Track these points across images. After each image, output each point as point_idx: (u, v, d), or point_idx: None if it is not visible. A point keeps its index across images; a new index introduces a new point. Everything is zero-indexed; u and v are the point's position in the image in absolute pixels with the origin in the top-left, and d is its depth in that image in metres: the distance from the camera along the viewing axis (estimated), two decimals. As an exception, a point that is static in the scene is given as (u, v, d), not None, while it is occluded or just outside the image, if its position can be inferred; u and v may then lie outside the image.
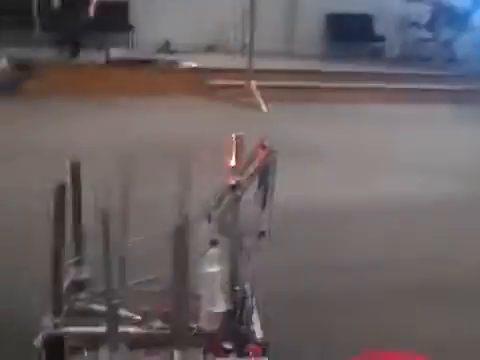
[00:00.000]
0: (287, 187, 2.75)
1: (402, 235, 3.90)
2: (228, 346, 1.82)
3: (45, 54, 8.76)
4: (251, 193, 1.92)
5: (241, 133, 1.96)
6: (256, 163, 1.92)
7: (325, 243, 3.59)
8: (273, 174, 1.91)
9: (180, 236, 1.67)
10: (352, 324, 2.68)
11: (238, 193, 1.82)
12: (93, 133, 6.14)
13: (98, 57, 8.92)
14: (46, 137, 5.88)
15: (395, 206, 4.41)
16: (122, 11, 10.50)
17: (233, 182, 1.83)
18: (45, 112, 7.08)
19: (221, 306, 1.84)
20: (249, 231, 1.87)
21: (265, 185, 1.90)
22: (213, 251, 1.81)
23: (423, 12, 11.34)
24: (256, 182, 1.94)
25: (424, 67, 10.75)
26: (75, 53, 8.86)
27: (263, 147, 1.94)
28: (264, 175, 1.91)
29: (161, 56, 9.43)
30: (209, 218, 1.87)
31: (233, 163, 1.89)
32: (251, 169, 1.91)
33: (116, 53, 8.77)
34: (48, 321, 1.87)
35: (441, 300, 3.04)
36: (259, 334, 1.86)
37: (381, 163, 5.65)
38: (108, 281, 1.75)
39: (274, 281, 2.58)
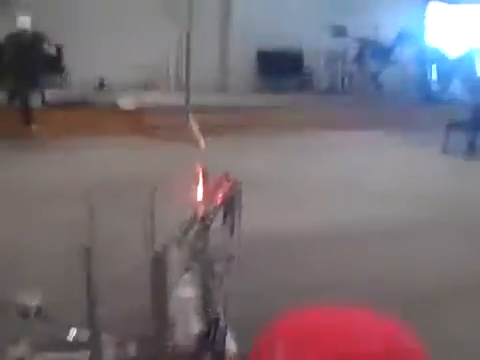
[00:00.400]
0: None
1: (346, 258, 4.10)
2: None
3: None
4: (217, 222, 2.06)
5: (202, 165, 2.10)
6: (220, 194, 2.07)
7: (286, 267, 3.75)
8: (239, 203, 2.06)
9: (158, 265, 1.79)
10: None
11: (207, 223, 1.96)
12: (43, 176, 6.16)
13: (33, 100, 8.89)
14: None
15: (329, 230, 4.65)
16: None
17: (201, 213, 1.97)
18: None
19: (195, 327, 1.96)
20: (219, 257, 2.01)
21: (232, 213, 2.05)
22: (186, 277, 1.94)
23: (350, 47, 11.88)
24: (221, 212, 2.08)
25: (352, 98, 11.25)
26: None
27: (227, 179, 2.09)
28: (230, 205, 2.05)
29: (97, 96, 9.48)
30: (178, 246, 2.00)
31: (199, 194, 2.02)
32: (216, 200, 2.05)
33: (51, 95, 8.74)
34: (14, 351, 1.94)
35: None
36: (234, 350, 1.98)
37: (316, 191, 5.89)
38: (90, 308, 1.85)
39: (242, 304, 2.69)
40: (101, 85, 10.52)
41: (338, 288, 3.49)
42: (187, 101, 8.43)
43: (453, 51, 12.21)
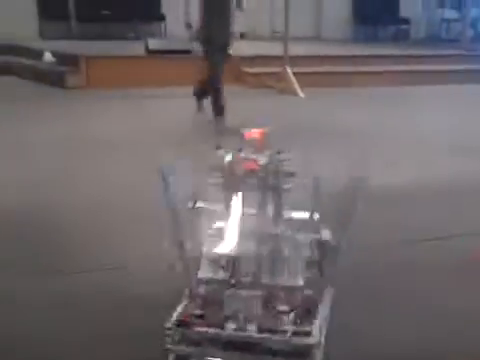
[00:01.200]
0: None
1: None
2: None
3: (85, 47, 9.10)
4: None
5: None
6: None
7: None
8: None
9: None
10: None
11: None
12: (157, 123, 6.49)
13: (135, 48, 9.24)
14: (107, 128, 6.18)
15: (443, 186, 4.68)
16: (154, 1, 10.77)
17: None
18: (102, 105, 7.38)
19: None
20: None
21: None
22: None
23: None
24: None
25: (451, 48, 10.99)
26: None
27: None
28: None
29: (197, 46, 9.67)
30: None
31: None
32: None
33: (154, 44, 9.03)
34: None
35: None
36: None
37: (424, 146, 5.89)
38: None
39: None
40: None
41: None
42: (286, 51, 8.49)
43: None
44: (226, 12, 6.26)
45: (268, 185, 2.13)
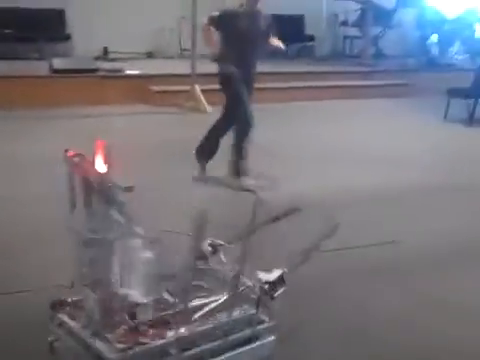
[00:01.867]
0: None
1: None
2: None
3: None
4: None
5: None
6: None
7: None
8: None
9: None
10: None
11: None
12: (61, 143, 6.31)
13: (39, 67, 9.03)
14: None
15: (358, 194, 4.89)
16: (59, 20, 10.58)
17: None
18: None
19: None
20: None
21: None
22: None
23: (350, 11, 11.92)
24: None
25: (354, 64, 11.38)
26: None
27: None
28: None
29: (104, 64, 9.59)
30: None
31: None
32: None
33: (59, 64, 8.85)
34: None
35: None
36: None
37: (336, 156, 6.09)
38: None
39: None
40: (105, 53, 10.63)
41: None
42: (194, 69, 8.53)
43: (452, 13, 12.22)
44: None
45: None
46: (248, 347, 2.33)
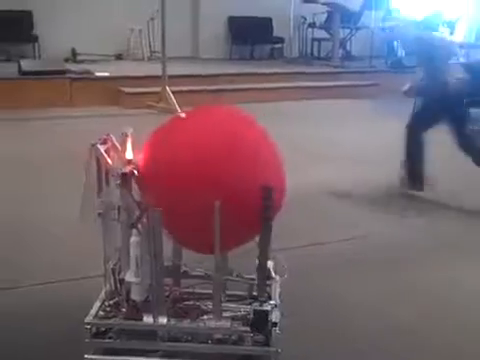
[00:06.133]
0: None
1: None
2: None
3: None
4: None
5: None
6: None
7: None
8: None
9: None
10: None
11: None
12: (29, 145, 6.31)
13: (8, 69, 8.94)
14: None
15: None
16: (27, 21, 10.46)
17: None
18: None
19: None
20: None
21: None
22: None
23: (317, 13, 12.03)
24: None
25: (322, 65, 11.51)
26: None
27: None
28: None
29: (73, 66, 9.52)
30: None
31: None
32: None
33: (27, 65, 8.76)
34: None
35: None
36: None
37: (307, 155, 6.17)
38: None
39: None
40: (74, 55, 10.55)
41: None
42: (164, 70, 8.51)
43: (418, 15, 12.42)
44: None
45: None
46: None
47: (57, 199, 4.42)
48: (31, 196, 4.66)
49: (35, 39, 10.42)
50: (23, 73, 8.65)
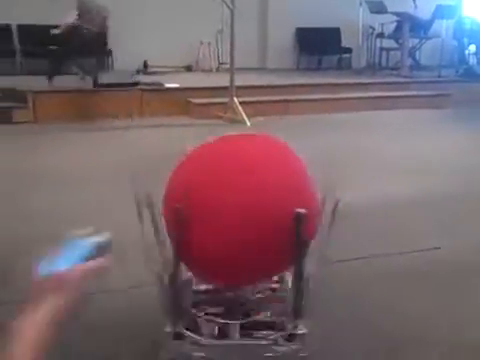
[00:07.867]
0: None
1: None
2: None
3: (28, 81, 9.08)
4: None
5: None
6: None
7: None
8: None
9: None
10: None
11: None
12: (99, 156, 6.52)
13: (82, 82, 9.29)
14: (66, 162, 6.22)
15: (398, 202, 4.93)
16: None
17: None
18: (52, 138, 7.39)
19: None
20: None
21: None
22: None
23: (386, 23, 11.95)
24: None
25: (391, 75, 11.42)
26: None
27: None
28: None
29: (144, 78, 9.81)
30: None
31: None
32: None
33: (102, 78, 9.09)
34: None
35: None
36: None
37: (378, 167, 6.12)
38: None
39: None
40: (145, 67, 10.87)
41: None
42: (232, 81, 8.65)
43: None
44: None
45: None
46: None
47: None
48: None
49: (109, 53, 10.77)
50: (98, 85, 8.95)
